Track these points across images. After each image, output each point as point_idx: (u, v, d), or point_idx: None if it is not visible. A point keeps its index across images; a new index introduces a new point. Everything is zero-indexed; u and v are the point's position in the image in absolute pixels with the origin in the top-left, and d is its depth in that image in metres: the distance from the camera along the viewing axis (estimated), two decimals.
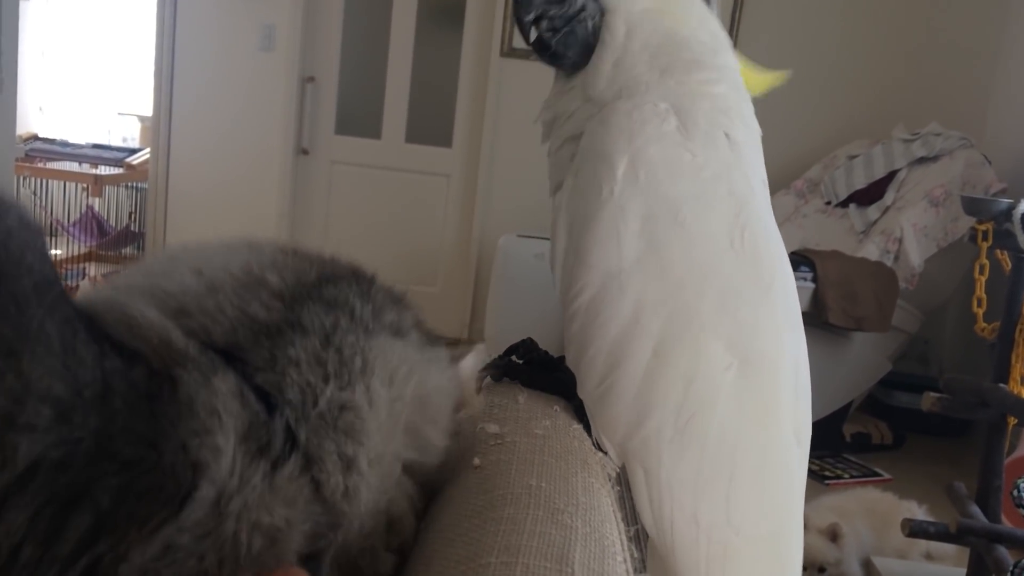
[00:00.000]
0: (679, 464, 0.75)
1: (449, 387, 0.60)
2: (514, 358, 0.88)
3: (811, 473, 3.33)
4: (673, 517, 0.75)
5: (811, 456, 3.25)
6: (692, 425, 0.75)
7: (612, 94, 0.81)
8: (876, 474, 3.42)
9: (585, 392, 0.77)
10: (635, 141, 0.77)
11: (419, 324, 0.60)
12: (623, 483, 0.78)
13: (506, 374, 0.84)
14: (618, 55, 0.81)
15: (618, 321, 0.75)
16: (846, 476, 3.36)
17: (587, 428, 0.78)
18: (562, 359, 0.90)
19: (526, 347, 0.89)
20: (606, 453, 0.77)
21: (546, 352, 0.89)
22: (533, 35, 0.83)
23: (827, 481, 3.29)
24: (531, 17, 0.81)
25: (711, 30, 0.86)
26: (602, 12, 0.82)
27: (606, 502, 0.61)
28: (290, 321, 0.52)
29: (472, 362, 0.60)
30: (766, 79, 0.92)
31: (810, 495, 2.93)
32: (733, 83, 0.85)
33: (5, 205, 0.40)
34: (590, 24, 0.82)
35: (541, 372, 0.86)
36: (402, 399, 0.53)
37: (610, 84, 0.81)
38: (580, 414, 0.80)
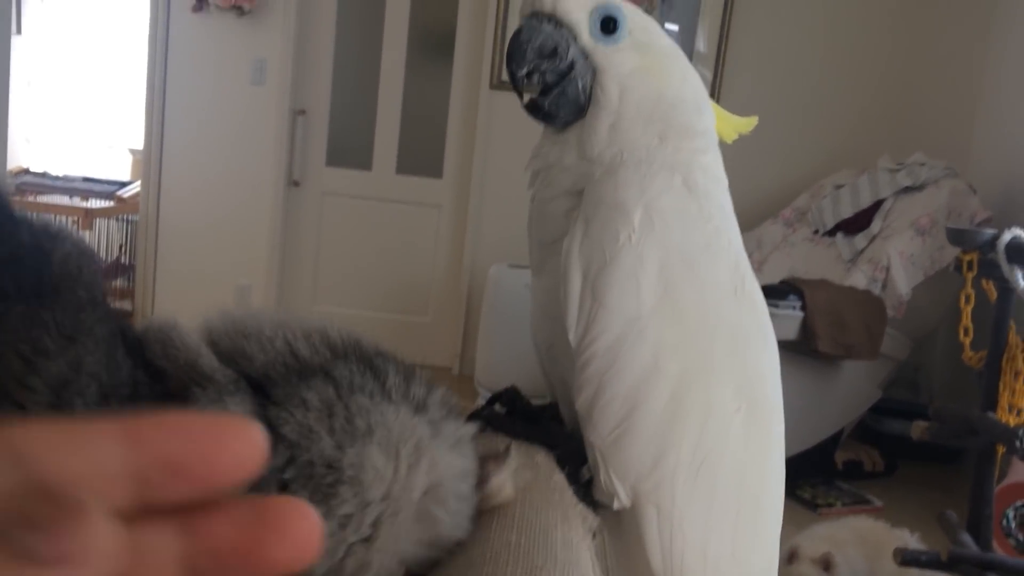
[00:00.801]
0: (692, 502, 0.79)
1: (468, 468, 0.58)
2: (497, 407, 0.89)
3: (803, 501, 3.33)
4: (684, 552, 0.79)
5: (803, 483, 3.23)
6: (706, 464, 0.79)
7: (611, 156, 0.83)
8: (868, 502, 3.42)
9: (598, 434, 0.79)
10: (647, 192, 0.80)
11: (446, 402, 0.57)
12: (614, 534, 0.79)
13: (489, 424, 0.85)
14: (613, 119, 0.84)
15: (638, 365, 0.78)
16: (838, 504, 3.36)
17: (570, 477, 0.79)
18: (545, 408, 0.91)
19: (509, 396, 0.90)
20: (614, 492, 0.79)
21: (528, 402, 0.90)
22: (526, 98, 0.86)
23: (819, 509, 3.29)
24: (524, 72, 0.84)
25: (693, 85, 0.89)
26: (594, 72, 0.84)
27: (585, 556, 0.62)
28: (325, 368, 0.53)
29: (507, 480, 0.58)
30: (737, 125, 0.96)
31: (802, 523, 2.91)
32: (714, 148, 0.89)
33: (63, 233, 0.46)
34: (580, 84, 0.84)
35: (525, 422, 0.87)
36: (408, 487, 0.50)
37: (608, 147, 0.84)
38: (563, 463, 0.81)
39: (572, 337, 0.80)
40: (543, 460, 0.77)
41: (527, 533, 0.57)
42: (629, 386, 0.78)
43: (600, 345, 0.78)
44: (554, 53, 0.84)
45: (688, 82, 0.88)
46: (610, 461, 0.78)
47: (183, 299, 4.62)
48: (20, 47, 5.09)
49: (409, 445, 0.51)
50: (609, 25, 0.84)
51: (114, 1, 5.81)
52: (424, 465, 0.52)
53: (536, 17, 0.84)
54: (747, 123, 0.96)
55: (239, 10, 4.33)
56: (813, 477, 3.53)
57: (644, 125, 0.84)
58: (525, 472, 0.67)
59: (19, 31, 5.12)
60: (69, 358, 0.42)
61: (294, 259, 4.68)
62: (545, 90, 0.85)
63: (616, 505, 0.79)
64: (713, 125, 0.90)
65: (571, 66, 0.84)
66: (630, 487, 0.78)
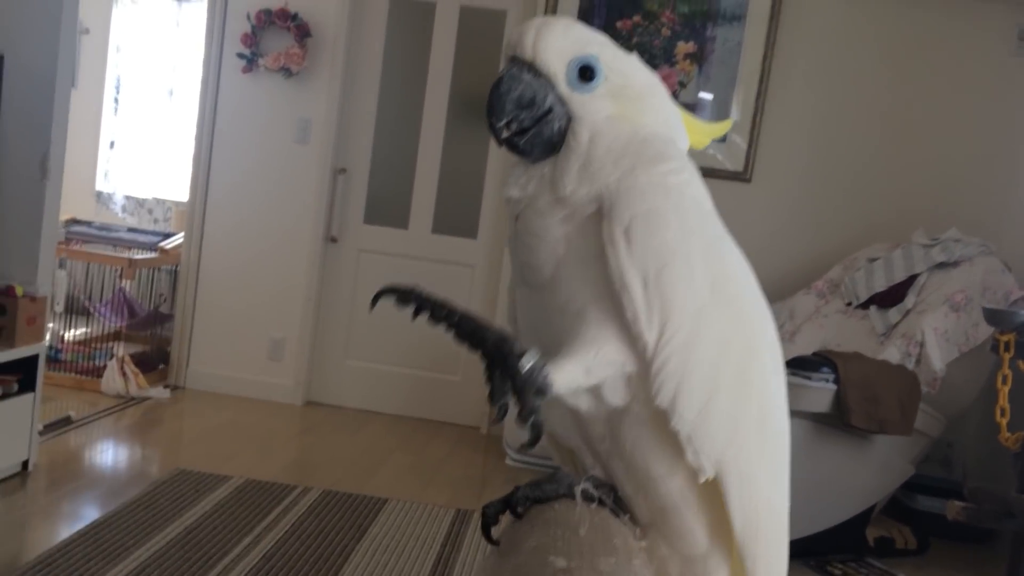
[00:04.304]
0: (761, 461, 0.89)
1: None
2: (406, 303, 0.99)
3: None
4: (759, 509, 0.88)
5: (835, 560, 3.21)
6: (765, 426, 0.90)
7: (582, 196, 0.88)
8: None
9: (684, 421, 0.84)
10: (671, 194, 0.87)
11: None
12: None
13: (421, 307, 0.98)
14: (583, 161, 0.88)
15: (711, 352, 0.85)
16: None
17: (507, 371, 0.87)
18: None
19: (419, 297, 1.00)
20: (700, 468, 0.86)
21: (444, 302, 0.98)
22: (503, 134, 0.89)
23: None
24: (502, 123, 0.88)
25: (667, 121, 0.94)
26: (569, 118, 0.89)
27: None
28: None
29: None
30: (710, 131, 1.01)
31: None
32: (690, 169, 0.93)
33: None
34: (556, 126, 0.89)
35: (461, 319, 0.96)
36: None
37: (579, 187, 0.88)
38: (496, 357, 0.87)
39: (650, 340, 0.83)
40: (622, 544, 0.80)
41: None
42: (706, 373, 0.84)
43: (677, 342, 0.83)
44: (532, 103, 0.88)
45: (662, 116, 0.93)
46: (696, 440, 0.85)
47: (218, 349, 4.69)
48: (76, 100, 5.26)
49: None
50: (586, 74, 0.89)
51: (168, 60, 6.01)
52: None
53: (516, 65, 0.88)
54: (720, 127, 1.03)
55: (287, 71, 4.48)
56: (844, 553, 3.48)
57: (613, 164, 0.88)
58: (609, 557, 0.70)
59: (75, 84, 5.30)
60: None
61: (328, 314, 4.75)
62: (521, 131, 0.89)
63: (701, 479, 0.86)
64: (685, 149, 0.95)
65: (548, 111, 0.89)
66: (715, 460, 0.85)
